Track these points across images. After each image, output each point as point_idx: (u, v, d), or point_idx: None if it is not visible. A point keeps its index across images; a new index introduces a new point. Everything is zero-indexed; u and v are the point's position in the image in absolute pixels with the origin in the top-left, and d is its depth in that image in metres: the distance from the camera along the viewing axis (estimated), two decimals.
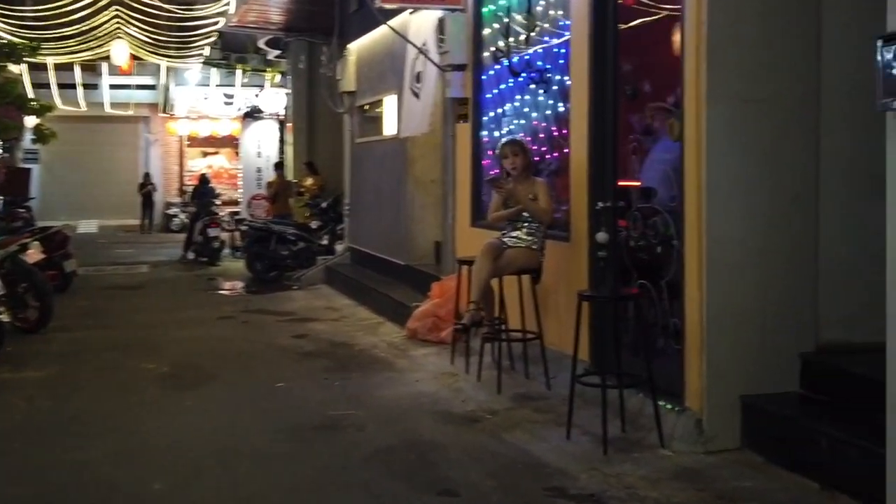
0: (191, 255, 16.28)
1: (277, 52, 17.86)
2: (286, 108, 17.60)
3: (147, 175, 25.19)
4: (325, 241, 14.08)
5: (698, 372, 4.80)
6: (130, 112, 24.96)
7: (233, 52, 23.65)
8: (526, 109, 7.31)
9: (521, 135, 7.02)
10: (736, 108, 4.78)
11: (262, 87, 20.69)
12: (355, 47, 12.62)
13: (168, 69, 23.69)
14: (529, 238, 6.22)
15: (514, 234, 6.26)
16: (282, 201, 16.10)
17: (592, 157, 6.05)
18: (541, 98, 7.04)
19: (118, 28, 16.91)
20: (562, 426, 5.16)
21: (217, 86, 24.32)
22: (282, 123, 18.39)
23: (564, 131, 6.64)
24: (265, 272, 13.25)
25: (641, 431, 5.02)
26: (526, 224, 6.25)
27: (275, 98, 18.41)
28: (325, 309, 10.38)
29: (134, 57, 19.65)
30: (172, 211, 25.26)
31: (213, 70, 23.82)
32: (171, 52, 19.81)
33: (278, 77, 20.66)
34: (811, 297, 4.90)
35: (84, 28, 16.73)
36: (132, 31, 17.06)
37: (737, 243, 4.79)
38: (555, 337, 6.42)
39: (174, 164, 27.11)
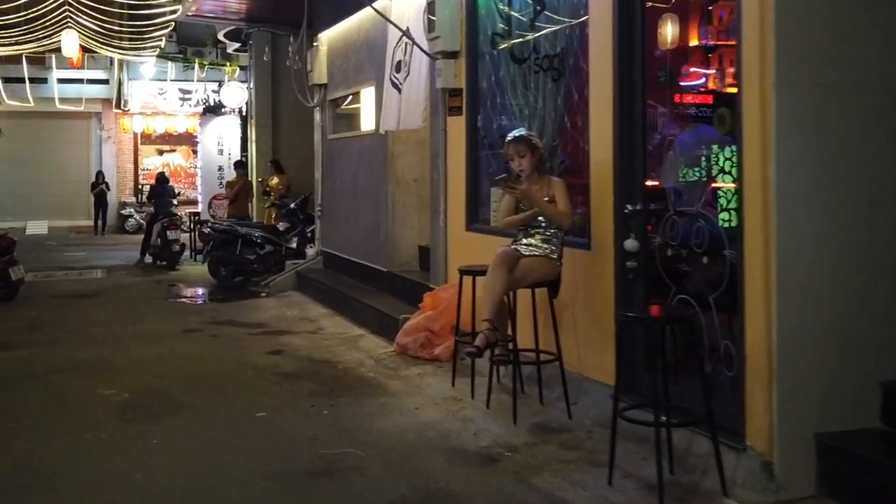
0: (148, 259, 15.45)
1: (238, 45, 16.96)
2: (248, 103, 16.69)
3: (100, 173, 24.10)
4: (294, 245, 13.15)
5: (765, 405, 4.07)
6: (81, 108, 23.79)
7: (189, 45, 22.72)
8: (531, 100, 6.55)
9: (525, 130, 6.09)
10: (808, 96, 4.07)
11: (220, 82, 19.70)
12: (326, 37, 11.81)
13: (121, 63, 22.63)
14: (546, 246, 5.44)
15: (528, 241, 5.48)
16: (241, 202, 15.23)
17: (618, 153, 5.30)
18: (550, 87, 6.29)
19: (68, 16, 15.78)
20: (597, 466, 4.44)
21: (173, 80, 23.32)
22: (244, 120, 17.44)
23: (580, 124, 5.88)
24: (230, 278, 12.36)
25: (693, 474, 4.30)
26: (541, 230, 5.48)
27: (236, 93, 17.43)
28: (300, 320, 9.52)
29: (85, 49, 18.50)
30: (127, 211, 24.48)
31: (170, 64, 22.81)
32: (125, 44, 18.69)
33: (238, 71, 19.71)
34: (892, 315, 4.21)
35: (31, 15, 15.59)
36: (83, 19, 15.93)
37: (810, 253, 4.08)
38: (572, 357, 5.69)
39: (128, 162, 26.06)
